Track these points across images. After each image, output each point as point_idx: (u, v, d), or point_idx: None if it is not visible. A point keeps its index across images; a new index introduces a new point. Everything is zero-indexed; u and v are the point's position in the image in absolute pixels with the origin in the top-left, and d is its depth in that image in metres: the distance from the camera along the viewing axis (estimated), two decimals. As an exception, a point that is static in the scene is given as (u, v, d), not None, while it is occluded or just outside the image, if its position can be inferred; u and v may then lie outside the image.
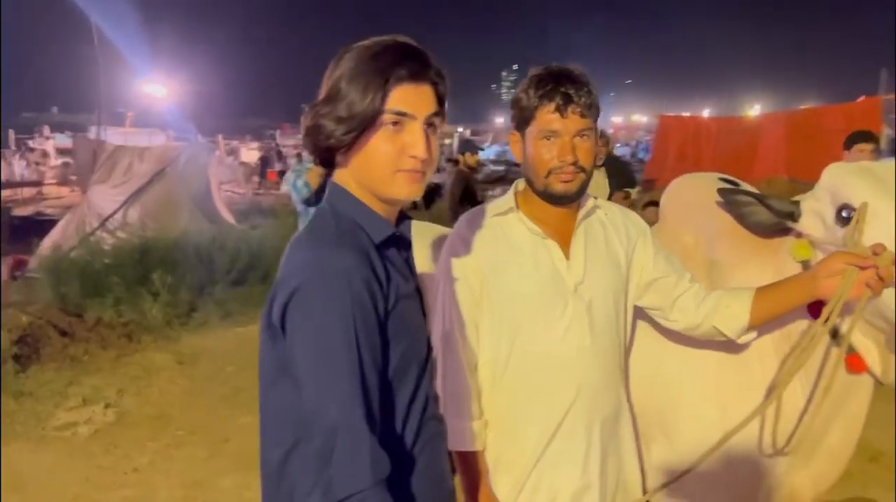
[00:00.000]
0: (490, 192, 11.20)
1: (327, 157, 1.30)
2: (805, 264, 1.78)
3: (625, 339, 1.80)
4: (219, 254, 7.76)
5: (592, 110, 1.64)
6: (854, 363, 1.71)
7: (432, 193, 11.17)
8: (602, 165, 5.84)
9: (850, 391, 1.77)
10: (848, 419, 1.84)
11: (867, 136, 4.67)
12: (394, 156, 1.24)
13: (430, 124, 1.27)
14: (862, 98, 9.50)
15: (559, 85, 1.62)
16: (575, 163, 1.63)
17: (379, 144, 1.24)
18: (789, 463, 1.87)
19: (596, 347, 1.69)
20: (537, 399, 1.70)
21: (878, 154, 4.72)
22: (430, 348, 1.41)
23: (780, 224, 1.83)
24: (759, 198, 1.85)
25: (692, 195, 2.22)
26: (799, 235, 1.82)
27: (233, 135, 39.58)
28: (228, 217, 11.05)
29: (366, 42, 1.26)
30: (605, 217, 1.79)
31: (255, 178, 23.32)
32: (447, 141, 24.94)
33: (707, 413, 1.90)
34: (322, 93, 1.26)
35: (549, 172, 1.64)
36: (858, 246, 1.58)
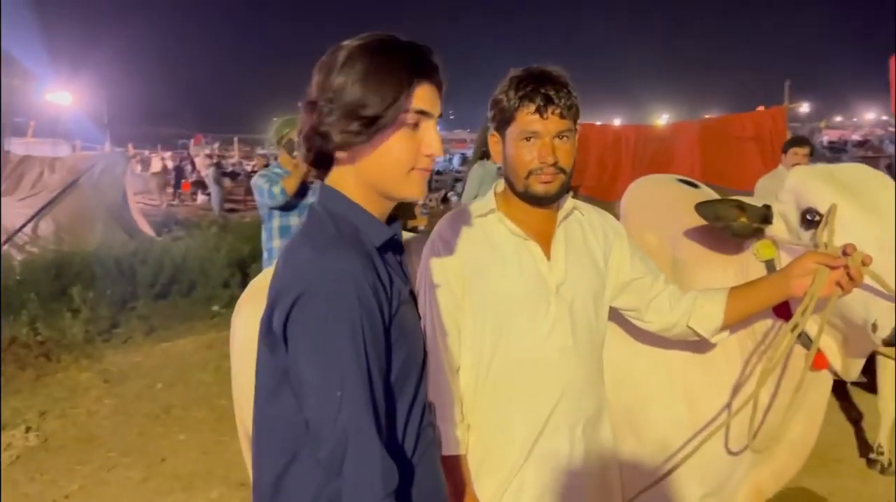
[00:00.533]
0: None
1: (327, 158, 1.26)
2: (768, 263, 1.81)
3: (603, 340, 1.81)
4: (140, 268, 7.44)
5: (572, 111, 1.64)
6: (816, 360, 1.74)
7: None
8: None
9: (810, 386, 1.81)
10: (808, 414, 1.89)
11: (801, 141, 5.01)
12: (412, 156, 1.22)
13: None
14: (761, 108, 9.91)
15: (539, 86, 1.62)
16: (555, 165, 1.63)
17: (397, 143, 1.21)
18: (754, 459, 1.92)
19: (578, 348, 1.70)
20: (521, 401, 1.69)
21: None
22: (426, 354, 1.37)
23: (758, 229, 1.83)
24: (738, 204, 1.83)
25: (653, 195, 2.25)
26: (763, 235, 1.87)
27: (143, 145, 38.29)
28: (147, 229, 10.67)
29: (364, 41, 1.22)
30: (583, 218, 1.79)
31: (170, 189, 22.67)
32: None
33: (676, 411, 1.93)
34: (323, 92, 1.21)
35: (530, 173, 1.64)
36: (829, 246, 1.60)
